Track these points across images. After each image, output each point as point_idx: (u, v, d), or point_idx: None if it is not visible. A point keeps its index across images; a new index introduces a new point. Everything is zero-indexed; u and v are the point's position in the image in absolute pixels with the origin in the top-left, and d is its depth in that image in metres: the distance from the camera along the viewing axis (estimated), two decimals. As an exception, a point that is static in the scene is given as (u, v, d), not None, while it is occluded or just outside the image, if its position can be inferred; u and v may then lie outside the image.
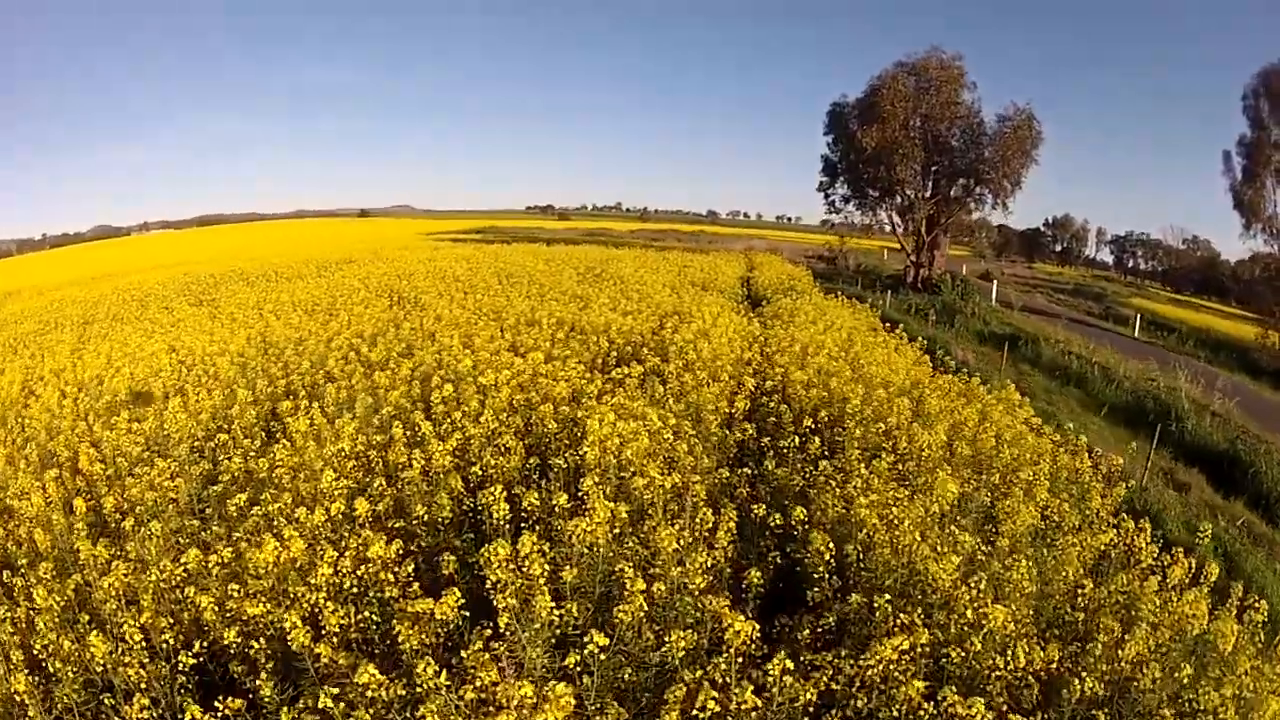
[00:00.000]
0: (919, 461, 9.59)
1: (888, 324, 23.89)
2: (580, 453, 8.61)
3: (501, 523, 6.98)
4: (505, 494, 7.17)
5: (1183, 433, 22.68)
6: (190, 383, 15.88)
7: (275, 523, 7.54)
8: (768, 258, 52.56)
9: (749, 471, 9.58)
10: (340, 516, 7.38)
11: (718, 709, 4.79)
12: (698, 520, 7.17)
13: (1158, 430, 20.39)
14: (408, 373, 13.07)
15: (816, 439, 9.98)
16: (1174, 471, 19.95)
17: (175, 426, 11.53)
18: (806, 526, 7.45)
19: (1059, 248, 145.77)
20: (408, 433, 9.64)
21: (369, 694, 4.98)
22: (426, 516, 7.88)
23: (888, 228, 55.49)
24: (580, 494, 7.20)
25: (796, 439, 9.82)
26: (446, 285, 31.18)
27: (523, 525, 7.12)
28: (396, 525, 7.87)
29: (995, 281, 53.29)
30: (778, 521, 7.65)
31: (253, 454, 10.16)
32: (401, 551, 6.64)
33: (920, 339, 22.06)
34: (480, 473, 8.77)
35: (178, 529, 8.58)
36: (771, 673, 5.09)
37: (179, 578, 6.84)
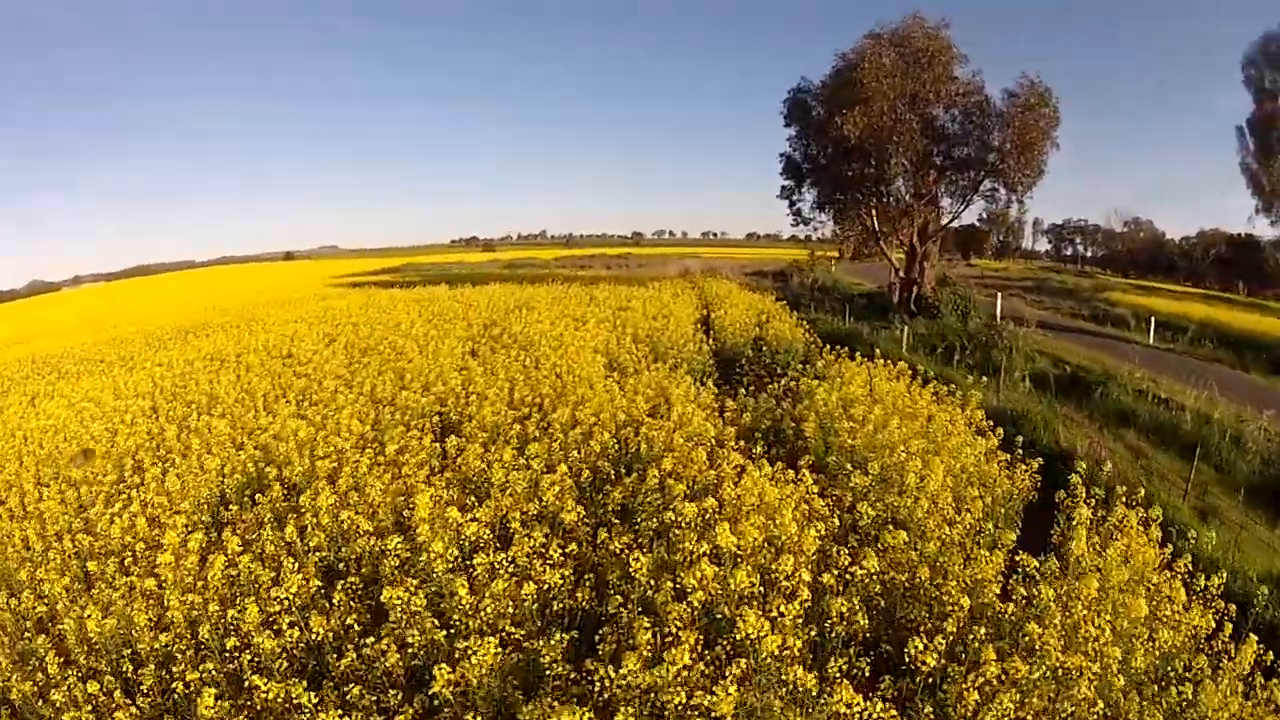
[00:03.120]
0: None
1: (992, 421, 13.02)
2: None
3: None
4: None
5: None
6: None
7: None
8: (720, 285, 41.21)
9: None
10: None
11: None
12: None
13: None
14: None
15: None
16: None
17: None
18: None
19: (995, 241, 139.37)
20: None
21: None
22: None
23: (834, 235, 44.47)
24: None
25: None
26: (261, 378, 19.81)
27: None
28: None
29: (999, 295, 42.46)
30: None
31: None
32: None
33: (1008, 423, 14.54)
34: None
35: None
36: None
37: None
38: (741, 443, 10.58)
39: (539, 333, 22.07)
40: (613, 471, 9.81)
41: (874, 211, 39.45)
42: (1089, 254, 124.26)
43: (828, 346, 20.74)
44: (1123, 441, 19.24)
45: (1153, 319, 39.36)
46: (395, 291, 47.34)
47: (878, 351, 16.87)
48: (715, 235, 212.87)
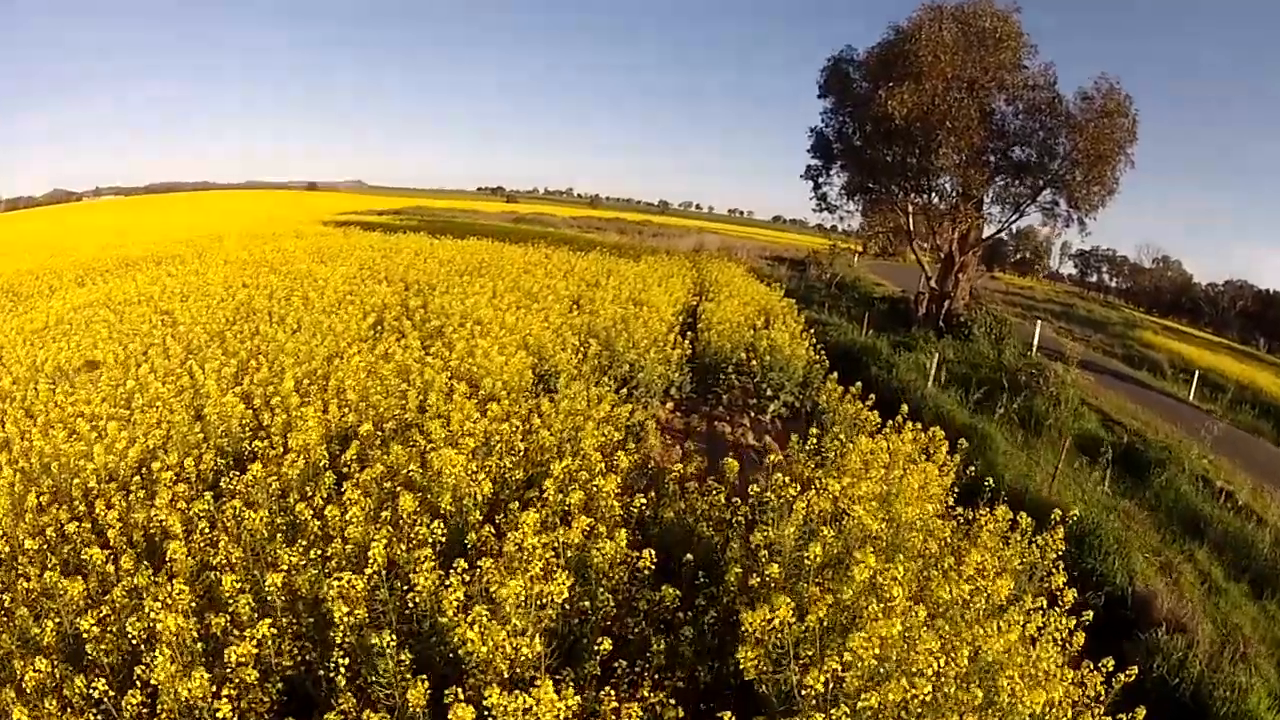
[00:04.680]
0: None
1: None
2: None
3: None
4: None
5: None
6: None
7: None
8: (723, 269, 35.54)
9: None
10: None
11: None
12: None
13: None
14: None
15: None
16: None
17: None
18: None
19: (1018, 258, 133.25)
20: None
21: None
22: None
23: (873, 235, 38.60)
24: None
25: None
26: (106, 341, 16.23)
27: None
28: None
29: (1040, 323, 36.52)
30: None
31: None
32: None
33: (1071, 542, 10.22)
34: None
35: None
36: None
37: None
38: (616, 622, 5.30)
39: (464, 312, 16.86)
40: (346, 657, 4.66)
41: (910, 207, 33.68)
42: (1114, 285, 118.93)
43: (835, 374, 15.57)
44: (1193, 562, 14.14)
45: (1196, 373, 34.01)
46: (370, 236, 41.90)
47: (903, 409, 11.48)
48: (741, 214, 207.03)
